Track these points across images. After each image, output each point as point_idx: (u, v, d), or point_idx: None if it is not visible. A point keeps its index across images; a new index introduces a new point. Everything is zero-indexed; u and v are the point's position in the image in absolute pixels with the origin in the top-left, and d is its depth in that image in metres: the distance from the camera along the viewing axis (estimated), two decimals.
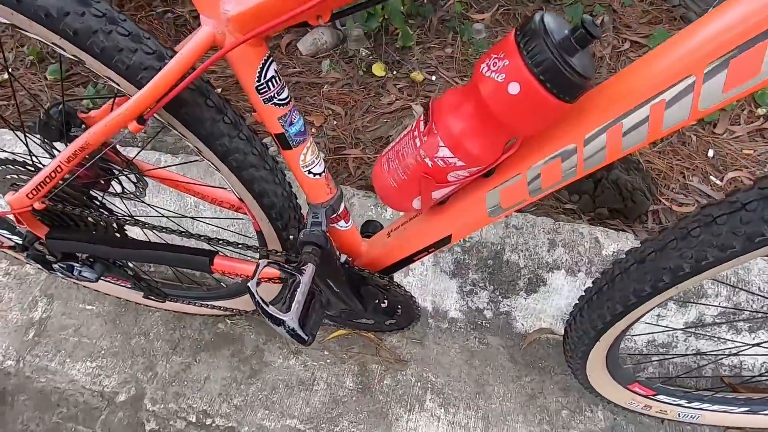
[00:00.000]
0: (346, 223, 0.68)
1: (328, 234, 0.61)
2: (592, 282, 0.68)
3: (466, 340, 1.14)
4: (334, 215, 0.64)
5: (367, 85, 1.66)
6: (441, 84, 1.66)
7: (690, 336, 1.05)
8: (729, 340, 1.01)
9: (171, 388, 1.06)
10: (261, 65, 0.48)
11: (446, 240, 0.62)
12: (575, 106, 0.42)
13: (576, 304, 0.73)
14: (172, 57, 0.48)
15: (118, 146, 0.85)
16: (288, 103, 0.52)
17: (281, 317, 0.47)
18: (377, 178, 0.55)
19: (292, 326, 0.48)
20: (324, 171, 0.60)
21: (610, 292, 0.62)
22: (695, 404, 0.94)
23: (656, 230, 1.26)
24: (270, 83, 0.49)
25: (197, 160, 1.12)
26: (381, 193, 0.56)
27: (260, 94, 0.50)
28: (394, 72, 1.70)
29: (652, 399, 0.93)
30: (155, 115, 0.53)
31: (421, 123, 0.48)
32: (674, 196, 1.39)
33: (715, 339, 1.02)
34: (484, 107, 0.42)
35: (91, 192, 0.81)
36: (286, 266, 0.52)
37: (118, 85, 0.51)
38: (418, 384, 1.07)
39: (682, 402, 0.94)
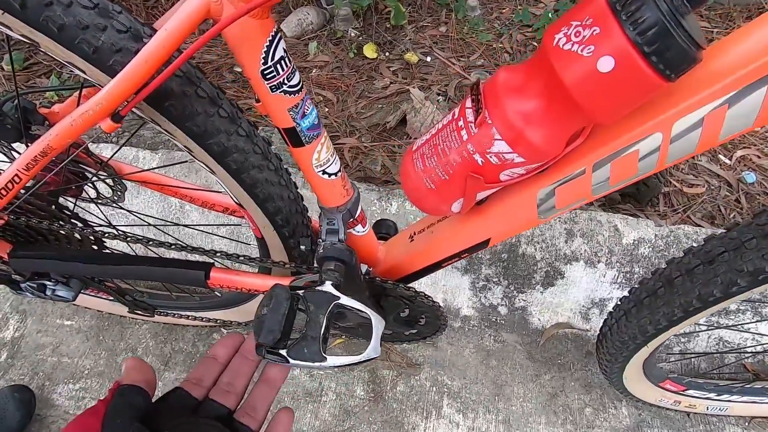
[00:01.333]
0: (363, 227, 0.59)
1: (346, 243, 0.52)
2: (639, 282, 0.61)
3: (481, 338, 1.08)
4: (352, 220, 0.55)
5: (358, 69, 1.55)
6: (437, 65, 1.56)
7: (714, 325, 1.01)
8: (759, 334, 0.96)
9: None
10: (268, 43, 0.38)
11: (483, 244, 0.54)
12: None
13: (617, 305, 0.66)
14: (151, 36, 0.38)
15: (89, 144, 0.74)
16: (300, 90, 0.43)
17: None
18: (407, 179, 0.46)
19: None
20: (340, 170, 0.51)
21: (667, 296, 0.55)
22: (724, 396, 0.91)
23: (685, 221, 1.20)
24: (278, 66, 0.39)
25: (186, 161, 1.00)
26: (412, 196, 0.47)
27: (267, 80, 0.40)
28: (387, 53, 1.59)
29: (682, 394, 0.89)
30: (134, 109, 0.43)
31: (468, 111, 0.40)
32: (684, 177, 1.34)
33: (744, 331, 0.98)
34: (558, 89, 0.33)
35: (60, 200, 0.70)
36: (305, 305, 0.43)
37: (84, 72, 0.41)
38: (434, 389, 1.00)
39: (711, 395, 0.91)
